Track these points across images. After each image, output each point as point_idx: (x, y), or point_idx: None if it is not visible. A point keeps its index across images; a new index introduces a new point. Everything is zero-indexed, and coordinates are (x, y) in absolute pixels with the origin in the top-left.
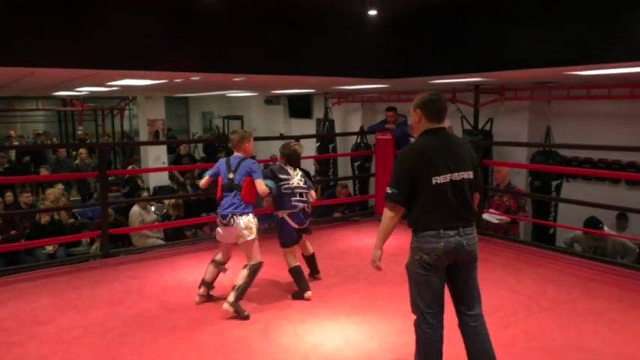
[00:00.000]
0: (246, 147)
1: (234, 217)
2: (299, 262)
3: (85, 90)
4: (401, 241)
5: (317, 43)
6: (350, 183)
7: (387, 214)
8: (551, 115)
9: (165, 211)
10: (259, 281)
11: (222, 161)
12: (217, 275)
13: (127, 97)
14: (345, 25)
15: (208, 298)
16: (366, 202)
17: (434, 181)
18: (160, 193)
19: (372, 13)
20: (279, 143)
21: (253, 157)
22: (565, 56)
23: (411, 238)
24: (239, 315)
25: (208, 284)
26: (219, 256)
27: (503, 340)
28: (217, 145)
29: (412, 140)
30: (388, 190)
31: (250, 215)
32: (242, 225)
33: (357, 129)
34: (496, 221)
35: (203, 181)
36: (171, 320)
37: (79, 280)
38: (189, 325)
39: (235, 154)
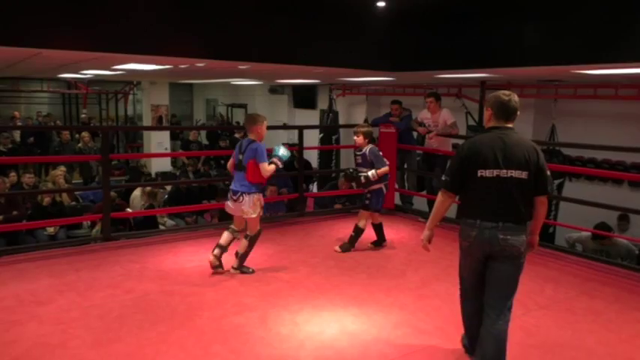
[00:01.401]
0: (257, 130)
1: (243, 195)
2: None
3: (90, 73)
4: (401, 235)
5: (323, 33)
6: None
7: (438, 198)
8: (557, 114)
9: (166, 197)
10: (259, 271)
11: (239, 143)
12: (231, 241)
13: (131, 81)
14: (352, 16)
15: (219, 263)
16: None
17: (479, 174)
18: (162, 178)
19: (381, 4)
20: (283, 133)
21: None
22: (574, 54)
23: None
24: (246, 273)
25: (222, 247)
26: (233, 225)
27: None
28: (220, 133)
29: (415, 135)
30: (442, 177)
31: (256, 195)
32: (247, 204)
33: (361, 121)
34: None
35: (229, 163)
36: (170, 305)
37: (80, 263)
38: (188, 311)
39: (249, 136)
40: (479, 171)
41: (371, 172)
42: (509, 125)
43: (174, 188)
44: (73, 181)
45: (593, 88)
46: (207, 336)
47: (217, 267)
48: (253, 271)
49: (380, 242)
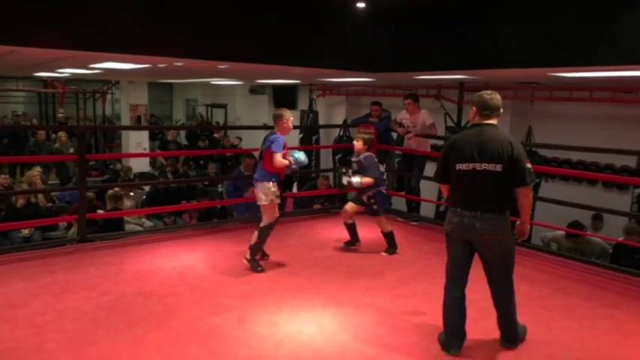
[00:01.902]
0: (282, 124)
1: (257, 182)
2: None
3: (66, 72)
4: (379, 234)
5: (303, 33)
6: (331, 175)
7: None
8: (533, 116)
9: (144, 197)
10: (236, 271)
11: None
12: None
13: (109, 80)
14: (331, 16)
15: (265, 256)
16: (347, 194)
17: (457, 167)
18: (140, 179)
19: (360, 5)
20: (263, 133)
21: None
22: (551, 57)
23: None
24: (253, 269)
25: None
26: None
27: (476, 334)
28: (199, 133)
29: (394, 135)
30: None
31: (270, 183)
32: (260, 190)
33: (340, 122)
34: None
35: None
36: (147, 306)
37: (55, 265)
38: (165, 312)
39: (274, 130)
40: (457, 165)
41: (355, 180)
42: (491, 122)
43: (152, 189)
44: (50, 182)
45: (568, 91)
46: (184, 337)
47: (264, 257)
48: (262, 270)
49: (354, 242)
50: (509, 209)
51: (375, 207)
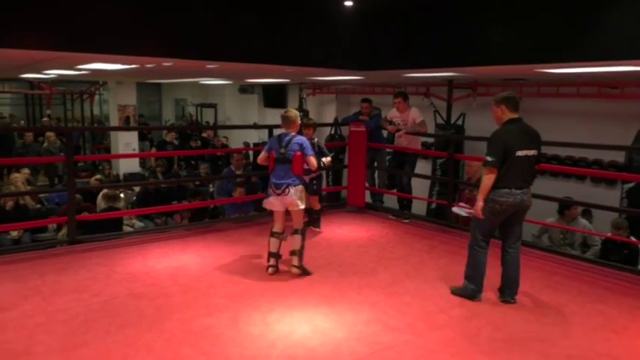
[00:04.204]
0: (297, 125)
1: (289, 187)
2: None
3: (53, 73)
4: (372, 232)
5: (293, 32)
6: (324, 174)
7: (486, 176)
8: (522, 112)
9: (134, 198)
10: (229, 271)
11: (273, 138)
12: (280, 244)
13: (97, 81)
14: (321, 15)
15: (277, 269)
16: (339, 193)
17: (517, 154)
18: (129, 180)
19: (349, 4)
20: (252, 132)
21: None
22: (535, 53)
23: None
24: (306, 274)
25: (276, 255)
26: (276, 228)
27: (469, 331)
28: (191, 133)
29: (385, 133)
30: (488, 158)
31: (301, 186)
32: (295, 195)
33: (331, 120)
34: (465, 214)
35: (261, 157)
36: (138, 308)
37: (45, 267)
38: (157, 313)
39: (286, 131)
40: (517, 151)
41: (324, 159)
42: (519, 116)
43: (142, 189)
44: (39, 183)
45: (555, 87)
46: (176, 338)
47: (276, 272)
48: (311, 273)
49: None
50: None
51: (315, 187)
